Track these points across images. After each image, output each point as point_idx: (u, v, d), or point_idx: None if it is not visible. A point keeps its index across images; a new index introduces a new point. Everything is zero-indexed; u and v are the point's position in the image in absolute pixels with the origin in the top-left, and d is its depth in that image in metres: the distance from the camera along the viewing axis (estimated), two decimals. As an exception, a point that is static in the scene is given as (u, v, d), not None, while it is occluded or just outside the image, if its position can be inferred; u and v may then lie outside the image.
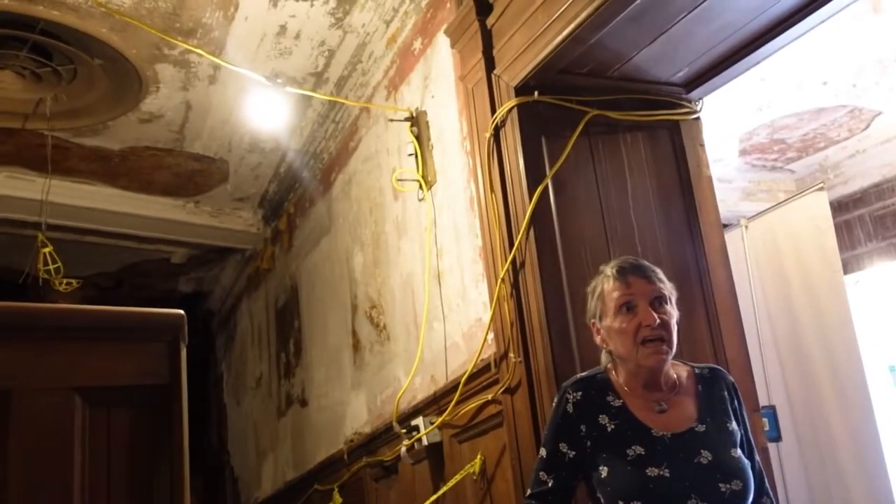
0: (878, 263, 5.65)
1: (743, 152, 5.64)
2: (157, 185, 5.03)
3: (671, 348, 1.73)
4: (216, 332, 7.02)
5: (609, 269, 1.81)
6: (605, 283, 1.79)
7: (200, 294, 6.70)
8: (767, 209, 4.24)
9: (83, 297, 4.63)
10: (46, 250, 3.76)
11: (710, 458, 1.66)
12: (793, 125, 5.30)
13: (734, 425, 1.76)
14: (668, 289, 1.78)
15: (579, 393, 1.78)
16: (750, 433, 1.81)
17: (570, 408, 1.77)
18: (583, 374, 1.85)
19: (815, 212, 3.79)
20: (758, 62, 2.57)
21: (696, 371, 1.84)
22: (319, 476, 4.41)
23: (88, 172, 4.75)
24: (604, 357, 1.84)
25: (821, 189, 3.83)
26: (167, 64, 3.84)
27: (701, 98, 2.75)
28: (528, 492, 1.79)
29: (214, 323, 6.99)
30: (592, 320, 1.83)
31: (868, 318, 4.62)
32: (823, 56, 4.34)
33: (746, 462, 1.70)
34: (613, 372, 1.81)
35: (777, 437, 3.30)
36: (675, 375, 1.79)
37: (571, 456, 1.74)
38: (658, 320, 1.70)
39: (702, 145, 2.75)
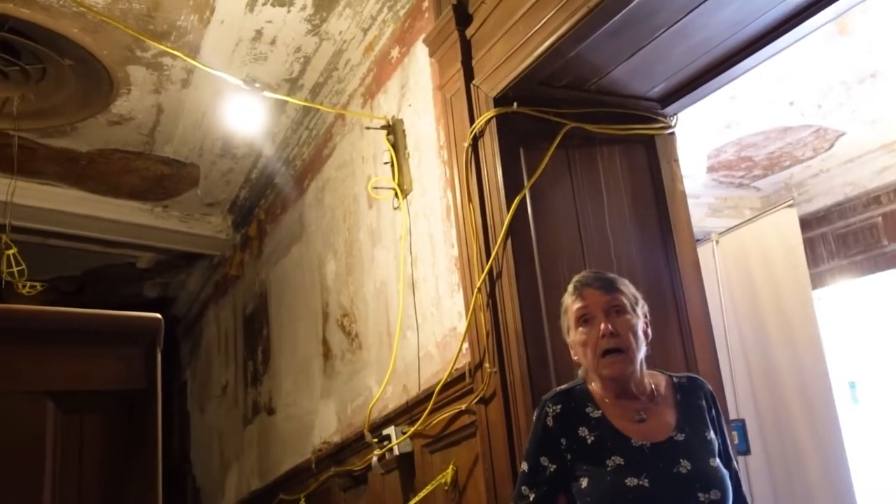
0: (839, 281, 5.77)
1: (710, 169, 5.73)
2: (124, 189, 4.95)
3: (632, 356, 1.76)
4: (181, 339, 6.92)
5: (571, 285, 1.86)
6: (568, 299, 1.85)
7: (166, 300, 6.60)
8: (738, 225, 4.31)
9: (45, 301, 4.53)
10: (10, 252, 3.67)
11: (689, 468, 1.67)
12: (759, 143, 5.40)
13: (712, 434, 1.78)
14: (630, 297, 1.80)
15: (559, 406, 1.78)
16: (728, 441, 1.83)
17: (549, 421, 1.77)
18: (562, 386, 1.86)
19: (785, 228, 3.86)
20: (732, 79, 2.61)
21: (675, 380, 1.86)
22: (285, 486, 4.36)
23: (55, 174, 4.66)
24: (581, 370, 1.86)
25: (791, 206, 3.90)
26: (139, 66, 3.78)
27: (676, 114, 2.79)
28: None
29: (179, 329, 6.88)
30: (566, 337, 1.86)
31: (829, 335, 4.70)
32: (791, 76, 4.44)
33: (725, 472, 1.72)
34: (591, 383, 1.82)
35: (746, 451, 3.34)
36: (652, 384, 1.81)
37: (552, 470, 1.74)
38: (610, 330, 1.73)
39: (676, 160, 2.79)
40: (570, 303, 1.82)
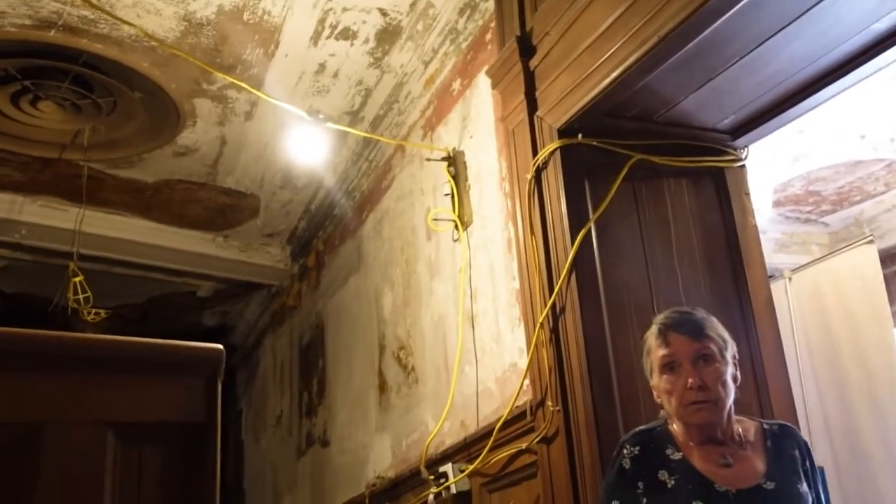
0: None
1: (777, 203, 5.57)
2: (187, 219, 5.04)
3: (721, 406, 1.67)
4: (238, 368, 6.97)
5: (654, 326, 1.76)
6: (652, 341, 1.75)
7: (224, 328, 6.67)
8: (813, 261, 4.14)
9: (108, 328, 4.62)
10: (77, 279, 3.75)
11: None
12: (828, 177, 5.23)
13: (804, 487, 1.67)
14: (718, 342, 1.70)
15: (637, 447, 1.71)
16: (822, 497, 1.71)
17: (626, 463, 1.70)
18: (642, 427, 1.79)
19: (864, 265, 3.67)
20: (807, 111, 2.51)
21: (765, 427, 1.77)
22: (339, 520, 4.31)
23: (122, 204, 4.77)
24: (662, 411, 1.77)
25: (870, 242, 3.71)
26: (205, 99, 3.86)
27: (746, 146, 2.70)
28: None
29: (236, 358, 6.94)
30: (649, 378, 1.79)
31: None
32: (862, 109, 4.29)
33: None
34: (673, 425, 1.73)
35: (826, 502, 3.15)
36: (740, 430, 1.71)
37: None
38: (699, 383, 1.64)
39: (747, 194, 2.69)
40: (655, 346, 1.72)
